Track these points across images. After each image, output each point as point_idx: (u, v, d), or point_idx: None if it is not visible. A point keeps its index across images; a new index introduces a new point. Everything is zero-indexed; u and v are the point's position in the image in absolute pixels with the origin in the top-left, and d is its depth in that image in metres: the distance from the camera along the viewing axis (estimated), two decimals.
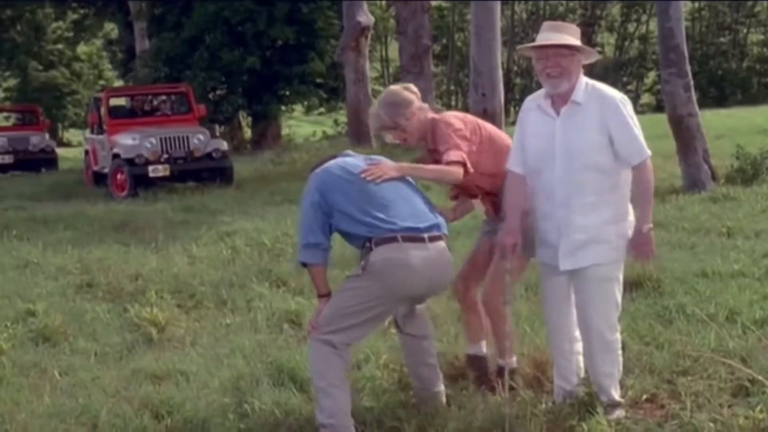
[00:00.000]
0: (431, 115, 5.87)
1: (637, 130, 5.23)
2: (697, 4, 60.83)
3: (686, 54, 14.74)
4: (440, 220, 5.46)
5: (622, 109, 5.21)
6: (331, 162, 5.53)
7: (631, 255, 5.34)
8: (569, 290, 5.45)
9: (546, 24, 5.49)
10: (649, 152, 5.23)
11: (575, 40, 5.28)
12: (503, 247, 5.38)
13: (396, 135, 5.85)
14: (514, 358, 5.92)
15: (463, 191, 6.02)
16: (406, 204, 5.35)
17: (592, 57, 5.41)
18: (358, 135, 24.07)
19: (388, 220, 5.21)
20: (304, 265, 5.39)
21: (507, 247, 5.35)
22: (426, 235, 5.27)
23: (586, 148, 5.18)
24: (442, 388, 5.66)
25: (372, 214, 5.22)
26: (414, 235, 5.23)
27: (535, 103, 5.44)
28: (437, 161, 5.73)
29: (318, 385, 5.25)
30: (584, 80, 5.31)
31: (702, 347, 6.18)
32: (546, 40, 5.27)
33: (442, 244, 5.37)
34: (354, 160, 5.54)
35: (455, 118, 5.86)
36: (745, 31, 61.69)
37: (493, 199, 5.92)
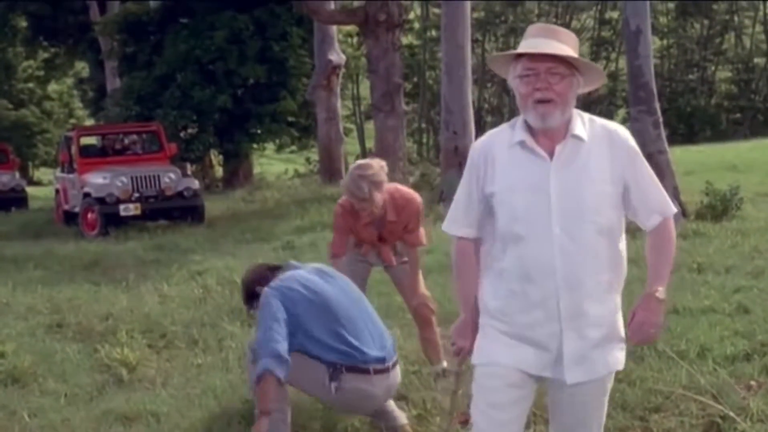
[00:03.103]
0: (389, 187, 6.50)
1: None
2: (665, 42, 61.43)
3: (655, 91, 14.86)
4: (391, 338, 5.69)
5: (640, 153, 3.92)
6: (288, 276, 5.48)
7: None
8: (532, 399, 4.03)
9: (536, 27, 3.96)
10: (675, 208, 3.99)
11: (575, 53, 3.84)
12: (458, 352, 4.13)
13: (362, 204, 6.34)
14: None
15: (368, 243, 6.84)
16: (369, 322, 5.52)
17: (595, 81, 3.98)
18: (329, 173, 24.11)
19: (360, 349, 5.33)
20: (260, 378, 5.19)
21: (464, 351, 4.09)
22: (390, 364, 5.46)
23: (597, 202, 3.78)
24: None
25: (346, 341, 5.31)
26: (381, 367, 5.39)
27: (507, 137, 3.89)
28: (391, 231, 6.60)
29: None
30: (578, 112, 3.89)
31: (673, 384, 6.19)
32: (538, 47, 3.78)
33: (398, 367, 5.62)
34: (308, 275, 5.52)
35: (417, 195, 6.73)
36: (713, 68, 62.30)
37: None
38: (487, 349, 3.92)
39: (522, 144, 3.83)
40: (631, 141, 3.89)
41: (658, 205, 3.90)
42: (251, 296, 5.59)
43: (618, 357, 3.92)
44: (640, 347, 7.16)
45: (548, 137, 3.81)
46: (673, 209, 3.95)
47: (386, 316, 8.07)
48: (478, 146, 4.03)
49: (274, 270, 5.58)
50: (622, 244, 3.92)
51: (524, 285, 3.79)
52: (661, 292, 3.84)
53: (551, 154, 3.80)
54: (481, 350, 3.95)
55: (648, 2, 15.28)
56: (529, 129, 3.84)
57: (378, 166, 6.40)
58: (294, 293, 5.28)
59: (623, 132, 3.91)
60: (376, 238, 6.70)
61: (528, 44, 3.84)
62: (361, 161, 6.64)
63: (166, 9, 31.80)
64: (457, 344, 4.10)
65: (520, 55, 3.85)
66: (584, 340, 3.80)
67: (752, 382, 6.28)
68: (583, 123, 3.86)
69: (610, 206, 3.81)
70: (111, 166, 20.56)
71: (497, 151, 3.90)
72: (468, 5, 19.09)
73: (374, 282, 7.68)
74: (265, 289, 5.35)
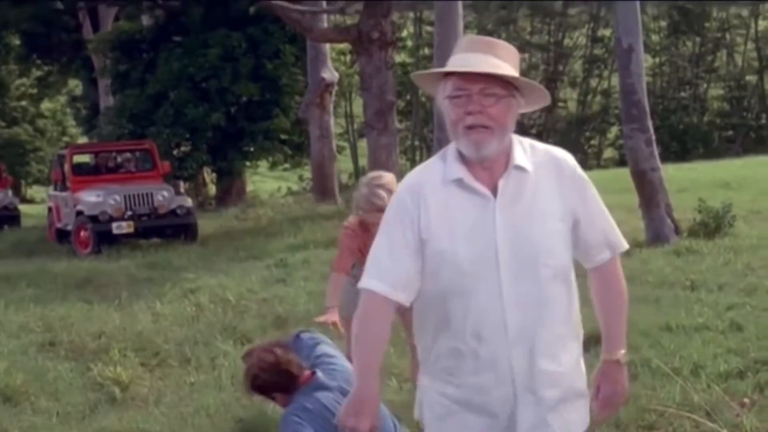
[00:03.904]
0: None
1: None
2: (657, 60, 61.56)
3: (648, 109, 14.88)
4: None
5: (589, 182, 3.44)
6: (316, 400, 4.78)
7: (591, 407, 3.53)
8: None
9: (468, 39, 3.46)
10: (626, 244, 3.54)
11: (515, 70, 3.29)
12: None
13: (378, 216, 6.20)
14: None
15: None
16: None
17: (537, 102, 3.42)
18: (322, 191, 24.11)
19: None
20: None
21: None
22: None
23: (550, 243, 3.28)
24: None
25: None
26: None
27: (439, 174, 3.32)
28: None
29: None
30: (517, 138, 3.37)
31: (667, 401, 6.19)
32: (469, 65, 3.23)
33: None
34: (335, 404, 4.62)
35: None
36: (705, 86, 62.41)
37: None
38: (434, 427, 3.43)
39: (459, 182, 3.27)
40: (579, 169, 3.41)
41: (609, 239, 3.44)
42: (262, 394, 5.04)
43: (581, 416, 3.44)
44: (635, 365, 7.16)
45: (487, 170, 3.27)
46: (625, 245, 3.51)
47: None
48: (406, 186, 3.38)
49: (295, 377, 4.89)
50: (574, 285, 3.42)
51: (472, 344, 3.26)
52: (623, 355, 3.48)
53: (494, 191, 3.25)
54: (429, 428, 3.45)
55: (640, 20, 15.32)
56: (464, 161, 3.28)
57: (390, 176, 6.43)
58: (323, 422, 4.65)
59: (570, 159, 3.42)
60: None
61: (458, 60, 3.28)
62: (372, 173, 6.65)
63: (159, 27, 31.84)
64: (350, 426, 3.31)
65: (450, 73, 3.28)
66: (540, 404, 3.30)
67: (746, 400, 6.29)
68: (524, 151, 3.33)
69: (564, 246, 3.32)
70: (104, 184, 20.55)
71: (429, 191, 3.30)
72: (461, 23, 19.12)
73: None
74: (291, 416, 4.76)
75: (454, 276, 3.24)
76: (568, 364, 3.37)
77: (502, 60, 3.26)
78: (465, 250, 3.22)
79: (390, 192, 6.17)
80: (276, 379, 4.87)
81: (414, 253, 3.29)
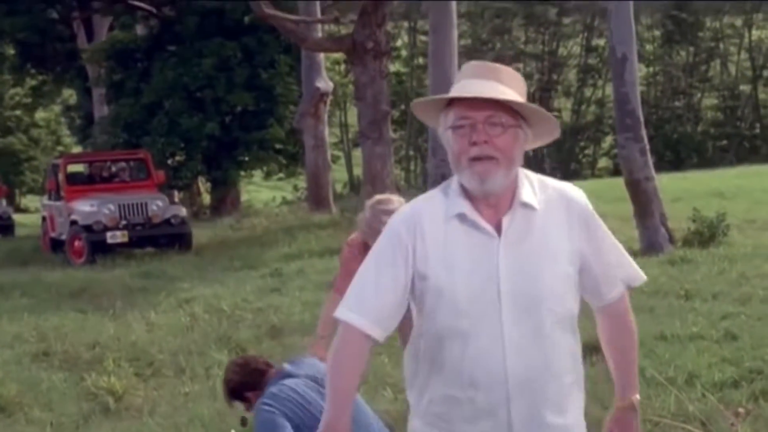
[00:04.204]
0: None
1: None
2: (651, 69, 61.67)
3: (642, 118, 14.90)
4: None
5: (597, 216, 3.19)
6: (283, 387, 4.90)
7: None
8: None
9: (472, 65, 3.18)
10: (644, 275, 3.30)
11: (522, 98, 3.09)
12: None
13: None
14: None
15: None
16: None
17: (547, 135, 3.19)
18: (317, 200, 24.10)
19: None
20: None
21: None
22: None
23: (557, 287, 3.05)
24: None
25: None
26: None
27: (441, 208, 3.08)
28: None
29: None
30: (524, 173, 3.13)
31: (662, 411, 6.19)
32: (473, 91, 3.02)
33: None
34: (305, 388, 4.90)
35: None
36: (699, 95, 62.51)
37: None
38: None
39: (461, 217, 3.04)
40: (588, 205, 3.16)
41: (624, 272, 3.22)
42: (237, 398, 5.13)
43: None
44: None
45: (492, 206, 3.04)
46: (643, 276, 3.26)
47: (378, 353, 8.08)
48: (402, 218, 3.14)
49: (263, 373, 5.04)
50: (578, 334, 3.19)
51: (467, 391, 3.02)
52: (637, 400, 3.26)
53: (498, 229, 3.02)
54: None
55: (634, 30, 15.35)
56: (468, 196, 3.05)
57: (398, 202, 6.33)
58: (292, 406, 4.80)
59: (579, 196, 3.16)
60: None
61: (462, 86, 3.07)
62: (380, 196, 6.54)
63: (153, 37, 31.87)
64: None
65: (452, 101, 3.07)
66: None
67: (740, 409, 6.27)
68: (532, 187, 3.10)
69: (571, 291, 3.09)
70: (98, 193, 20.53)
71: (428, 225, 3.07)
72: (455, 33, 19.16)
73: None
74: (261, 405, 4.83)
75: (452, 316, 3.01)
76: (574, 417, 3.13)
77: (507, 87, 3.05)
78: (464, 289, 2.99)
79: None
80: (246, 378, 4.99)
81: (401, 289, 3.06)
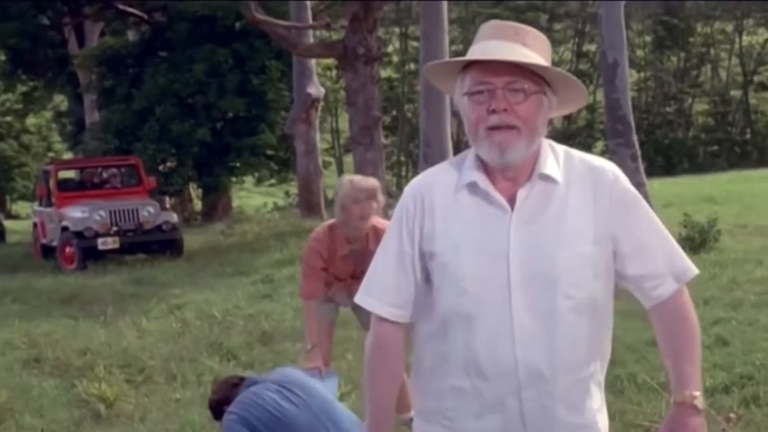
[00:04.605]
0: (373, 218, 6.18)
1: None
2: (642, 75, 61.81)
3: (633, 124, 14.96)
4: None
5: (640, 198, 2.85)
6: (246, 396, 5.09)
7: None
8: None
9: (492, 24, 2.85)
10: (696, 269, 2.89)
11: (547, 61, 2.78)
12: None
13: (357, 221, 6.07)
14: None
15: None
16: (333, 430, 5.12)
17: (573, 102, 2.89)
18: (308, 206, 24.08)
19: None
20: None
21: None
22: None
23: (574, 269, 2.71)
24: None
25: None
26: None
27: (452, 178, 2.82)
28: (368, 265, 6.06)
29: None
30: (549, 143, 2.83)
31: (653, 416, 6.19)
32: (493, 53, 2.71)
33: None
34: (267, 392, 5.10)
35: None
36: (690, 101, 62.67)
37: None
38: None
39: (473, 187, 2.76)
40: (625, 182, 2.84)
41: (672, 265, 2.82)
42: (218, 416, 5.26)
43: None
44: (621, 380, 7.15)
45: (509, 179, 2.75)
46: (695, 269, 2.87)
47: (345, 350, 8.10)
48: (411, 190, 2.89)
49: (236, 386, 5.22)
50: (610, 324, 2.88)
51: (475, 381, 2.74)
52: (699, 398, 2.80)
53: (512, 202, 2.73)
54: None
55: (625, 35, 15.39)
56: (484, 167, 2.77)
57: (375, 181, 6.33)
58: (251, 409, 4.99)
59: (613, 170, 2.84)
60: (350, 274, 6.27)
61: (480, 49, 2.75)
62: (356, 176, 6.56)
63: (145, 42, 31.89)
64: None
65: (470, 64, 2.76)
66: None
67: (732, 415, 6.29)
68: (556, 159, 2.80)
69: (593, 274, 2.73)
70: (89, 199, 20.49)
71: (438, 196, 2.81)
72: (446, 38, 19.18)
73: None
74: (226, 414, 5.04)
75: (456, 297, 2.73)
76: (591, 414, 2.82)
77: (531, 49, 2.73)
78: (470, 267, 2.71)
79: (369, 193, 6.08)
80: (221, 395, 5.19)
81: (415, 268, 2.82)
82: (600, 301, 2.77)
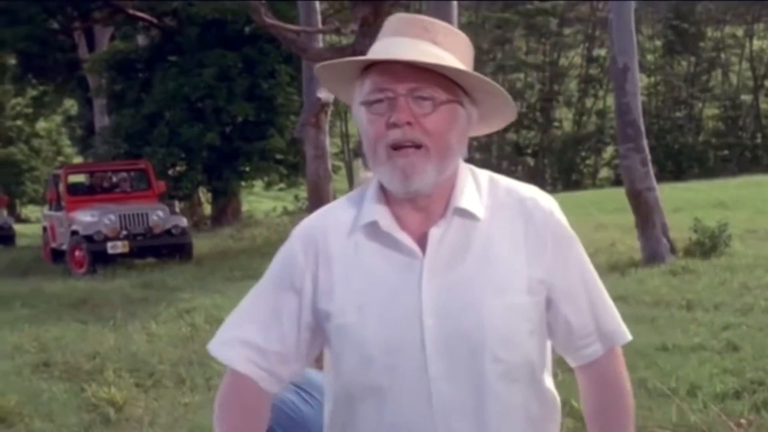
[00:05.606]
0: None
1: None
2: (653, 79, 61.74)
3: (643, 129, 14.91)
4: None
5: (575, 237, 2.31)
6: None
7: None
8: None
9: (398, 18, 2.28)
10: (629, 335, 2.38)
11: (467, 65, 2.25)
12: None
13: None
14: None
15: None
16: None
17: (500, 115, 2.32)
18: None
19: None
20: None
21: None
22: None
23: (502, 325, 2.18)
24: None
25: None
26: None
27: (348, 217, 2.29)
28: None
29: None
30: (469, 169, 2.29)
31: (664, 422, 6.16)
32: (392, 51, 2.17)
33: None
34: (285, 393, 4.82)
35: None
36: (700, 105, 62.59)
37: None
38: None
39: (373, 227, 2.22)
40: (561, 216, 2.30)
41: (600, 325, 2.31)
42: None
43: None
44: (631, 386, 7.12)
45: (420, 209, 2.22)
46: (627, 336, 2.37)
47: None
48: (301, 234, 2.38)
49: None
50: (548, 382, 2.35)
51: None
52: None
53: (423, 244, 2.20)
54: None
55: (635, 40, 15.36)
56: (388, 200, 2.24)
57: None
58: (271, 413, 4.88)
59: (545, 202, 2.29)
60: None
61: (380, 47, 2.22)
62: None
63: (154, 47, 31.91)
64: None
65: (369, 67, 2.22)
66: None
67: (742, 420, 6.26)
68: (477, 188, 2.26)
69: (528, 330, 2.21)
70: (99, 203, 20.55)
71: (333, 242, 2.28)
72: None
73: None
74: None
75: (361, 366, 2.21)
76: None
77: (443, 49, 2.20)
78: (376, 330, 2.18)
79: None
80: None
81: (301, 329, 2.31)
82: (535, 363, 2.26)
